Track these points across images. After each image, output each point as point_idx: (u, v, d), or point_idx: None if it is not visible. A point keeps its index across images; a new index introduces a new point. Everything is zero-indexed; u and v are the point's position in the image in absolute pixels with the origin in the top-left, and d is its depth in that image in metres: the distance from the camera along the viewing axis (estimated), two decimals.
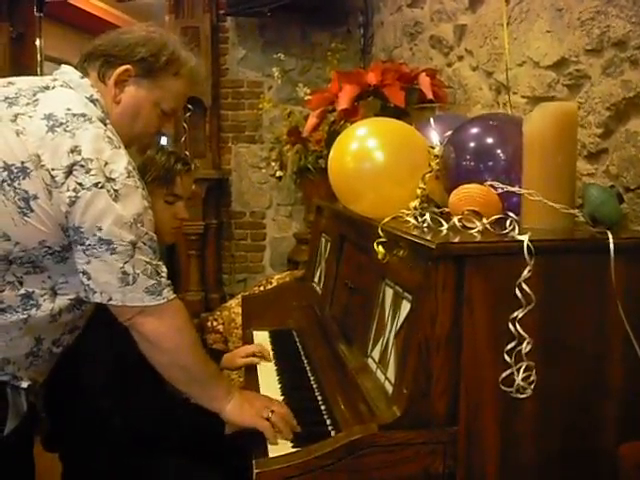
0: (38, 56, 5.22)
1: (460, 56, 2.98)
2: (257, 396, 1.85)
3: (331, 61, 4.69)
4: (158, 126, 1.81)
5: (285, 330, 2.65)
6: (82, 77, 1.69)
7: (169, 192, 2.05)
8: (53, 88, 1.64)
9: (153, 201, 1.96)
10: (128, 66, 1.70)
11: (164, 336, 1.63)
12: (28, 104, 1.58)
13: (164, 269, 1.64)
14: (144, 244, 1.58)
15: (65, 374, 1.84)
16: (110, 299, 1.57)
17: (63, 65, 1.74)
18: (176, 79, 1.77)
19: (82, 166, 1.51)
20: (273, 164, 4.84)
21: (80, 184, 1.51)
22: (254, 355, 2.30)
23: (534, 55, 2.21)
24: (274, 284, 3.82)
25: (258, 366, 2.26)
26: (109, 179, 1.53)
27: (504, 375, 1.39)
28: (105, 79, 1.71)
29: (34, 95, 1.60)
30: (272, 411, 1.69)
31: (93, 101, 1.66)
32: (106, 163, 1.54)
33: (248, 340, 2.60)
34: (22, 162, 1.51)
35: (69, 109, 1.57)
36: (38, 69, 5.22)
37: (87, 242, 1.54)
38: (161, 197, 2.03)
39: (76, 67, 1.72)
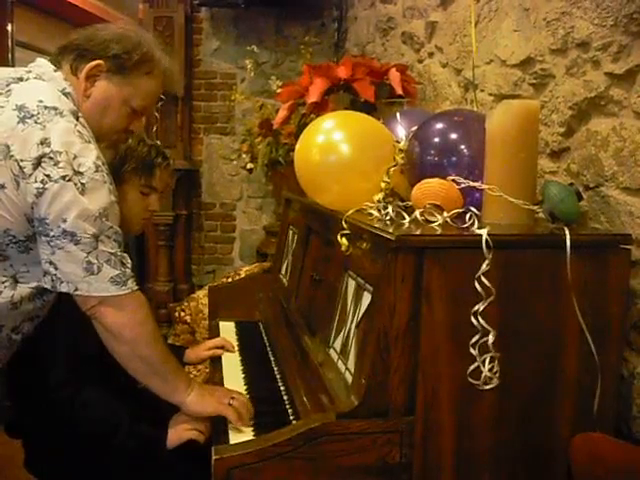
0: (9, 41, 5.16)
1: (430, 53, 3.00)
2: (216, 387, 1.91)
3: (304, 55, 4.69)
4: (127, 124, 1.81)
5: (251, 321, 2.66)
6: (56, 70, 1.70)
7: (146, 184, 2.05)
8: (27, 80, 1.65)
9: (128, 190, 1.98)
10: (100, 61, 1.71)
11: (125, 327, 1.64)
12: (0, 94, 1.59)
13: (129, 261, 1.66)
14: (108, 237, 1.60)
15: (28, 362, 1.84)
16: (76, 289, 1.58)
17: (39, 58, 1.74)
18: (148, 78, 1.78)
19: (51, 158, 1.52)
20: (244, 156, 4.83)
21: (48, 176, 1.52)
22: (217, 348, 2.31)
23: (501, 53, 2.24)
24: (242, 276, 3.82)
25: (223, 357, 2.28)
26: (77, 172, 1.54)
27: (471, 368, 1.42)
28: (77, 72, 1.71)
29: (7, 86, 1.61)
30: (232, 397, 1.73)
31: (66, 94, 1.66)
32: (75, 156, 1.55)
33: (214, 331, 2.60)
34: None
35: (41, 101, 1.57)
36: (9, 54, 5.16)
37: (51, 233, 1.55)
38: (137, 187, 2.04)
39: (51, 59, 1.73)
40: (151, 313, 1.73)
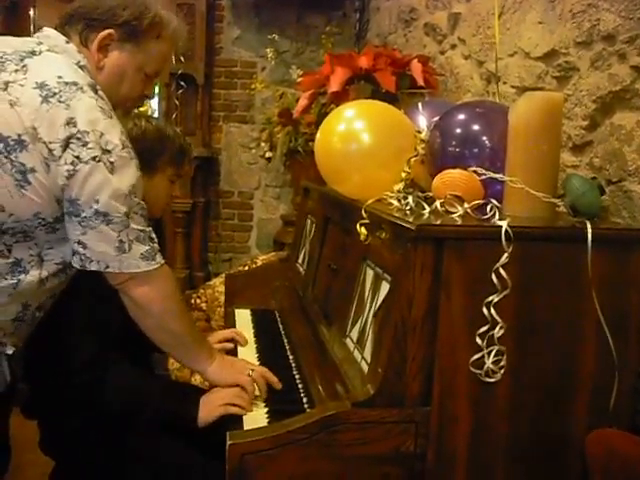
0: (31, 26, 5.16)
1: (453, 44, 2.98)
2: (236, 359, 1.96)
3: (325, 44, 4.69)
4: (142, 90, 1.80)
5: (267, 309, 2.66)
6: (67, 42, 1.66)
7: (177, 173, 2.07)
8: (40, 53, 1.61)
9: (159, 179, 1.99)
10: (111, 30, 1.67)
11: (153, 301, 1.66)
12: (17, 71, 1.55)
13: (154, 235, 1.67)
14: (136, 214, 1.60)
15: (48, 344, 1.85)
16: (107, 267, 1.59)
17: (45, 28, 1.71)
18: (158, 41, 1.75)
19: (79, 139, 1.51)
20: (263, 145, 4.83)
21: (77, 157, 1.51)
22: (228, 340, 2.29)
23: (525, 46, 2.22)
24: (259, 264, 3.82)
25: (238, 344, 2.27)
26: (105, 151, 1.54)
27: (475, 358, 1.41)
28: (87, 43, 1.68)
29: (21, 61, 1.57)
30: (252, 370, 1.77)
31: (81, 67, 1.64)
32: (102, 134, 1.53)
33: (230, 318, 2.60)
34: (18, 135, 1.50)
35: (60, 77, 1.55)
36: None
37: (83, 214, 1.55)
38: (169, 177, 2.05)
39: (58, 30, 1.69)
40: (177, 286, 1.76)
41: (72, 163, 1.52)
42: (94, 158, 1.52)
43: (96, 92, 1.60)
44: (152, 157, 1.93)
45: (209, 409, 1.75)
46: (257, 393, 1.75)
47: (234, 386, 1.76)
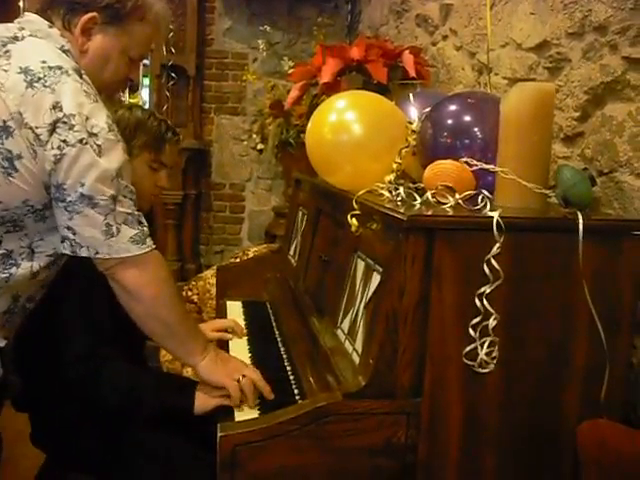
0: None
1: (445, 35, 2.98)
2: (232, 358, 1.86)
3: (317, 36, 4.67)
4: (126, 73, 1.77)
5: (258, 301, 2.65)
6: (50, 26, 1.63)
7: (156, 159, 2.03)
8: (23, 38, 1.59)
9: (138, 165, 1.95)
10: (94, 14, 1.64)
11: (145, 286, 1.63)
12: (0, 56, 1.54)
13: (144, 220, 1.64)
14: (124, 197, 1.58)
15: (40, 337, 1.84)
16: (97, 252, 1.57)
17: (27, 12, 1.68)
18: (142, 24, 1.71)
19: (65, 122, 1.49)
20: (254, 137, 4.83)
21: (64, 141, 1.49)
22: (226, 331, 2.27)
23: (517, 37, 2.22)
24: (251, 256, 3.82)
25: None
26: (91, 134, 1.51)
27: (468, 349, 1.41)
28: (71, 27, 1.65)
29: (4, 46, 1.55)
30: (243, 375, 1.69)
31: (65, 51, 1.61)
32: (87, 118, 1.51)
33: (221, 310, 2.60)
34: (4, 121, 1.48)
35: (44, 62, 1.53)
36: None
37: (68, 199, 1.53)
38: (147, 162, 2.02)
39: (40, 14, 1.66)
40: (170, 272, 1.72)
41: (59, 147, 1.50)
42: (81, 141, 1.50)
43: (81, 76, 1.58)
44: (125, 141, 1.90)
45: (205, 399, 1.73)
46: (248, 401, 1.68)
47: (222, 388, 1.71)
